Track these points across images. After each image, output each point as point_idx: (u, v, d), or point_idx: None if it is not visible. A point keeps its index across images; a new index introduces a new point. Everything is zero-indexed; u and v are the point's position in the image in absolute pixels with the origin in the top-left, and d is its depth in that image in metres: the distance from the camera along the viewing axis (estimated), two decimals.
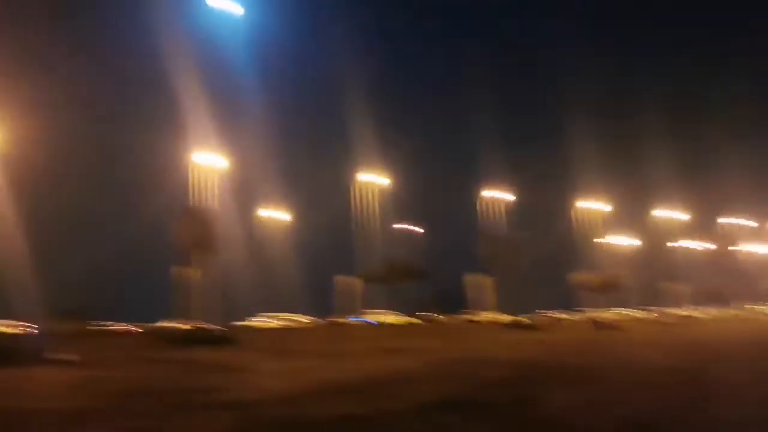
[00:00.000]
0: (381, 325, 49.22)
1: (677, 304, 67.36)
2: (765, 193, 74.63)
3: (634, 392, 12.94)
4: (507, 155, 62.14)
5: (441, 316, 57.02)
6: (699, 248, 75.16)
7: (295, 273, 55.62)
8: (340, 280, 57.92)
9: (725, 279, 74.27)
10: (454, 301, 60.87)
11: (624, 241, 68.74)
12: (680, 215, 72.52)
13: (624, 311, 62.64)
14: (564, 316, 58.78)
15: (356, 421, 10.22)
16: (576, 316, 56.09)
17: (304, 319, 52.25)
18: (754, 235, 79.56)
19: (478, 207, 63.00)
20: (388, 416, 10.70)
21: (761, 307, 72.28)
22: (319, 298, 56.79)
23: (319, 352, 24.03)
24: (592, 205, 66.62)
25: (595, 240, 67.34)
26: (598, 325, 45.03)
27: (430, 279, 60.46)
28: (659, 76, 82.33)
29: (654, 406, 11.27)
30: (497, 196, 63.00)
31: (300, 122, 58.97)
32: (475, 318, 55.33)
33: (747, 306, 70.82)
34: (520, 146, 72.87)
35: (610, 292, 63.53)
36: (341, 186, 59.55)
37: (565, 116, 62.88)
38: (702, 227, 75.36)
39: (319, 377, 15.69)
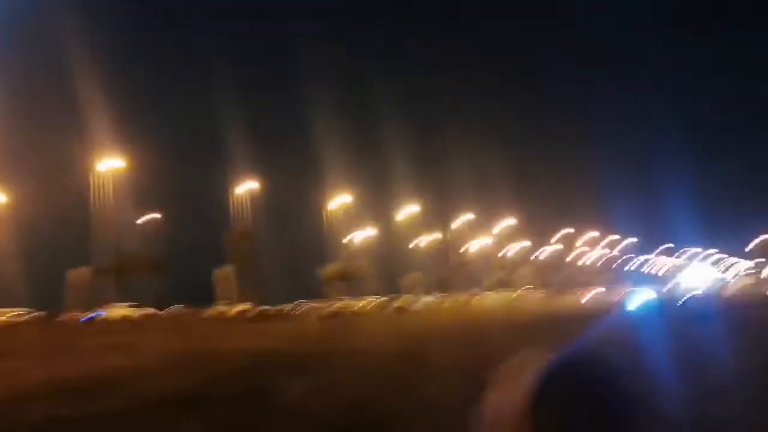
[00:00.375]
0: (116, 319, 46.15)
1: (412, 292, 72.49)
2: (488, 192, 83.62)
3: (362, 377, 13.66)
4: (258, 149, 62.09)
5: (183, 310, 55.21)
6: (432, 241, 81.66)
7: (18, 264, 50.06)
8: (72, 272, 53.30)
9: (454, 269, 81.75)
10: (202, 293, 59.41)
11: (366, 234, 72.33)
12: (417, 210, 78.13)
13: (363, 300, 65.89)
14: (309, 306, 60.13)
15: (71, 424, 9.48)
16: (319, 306, 57.67)
17: (27, 315, 47.17)
18: (479, 229, 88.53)
19: (229, 200, 62.03)
20: (109, 417, 10.07)
21: (485, 294, 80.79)
22: (47, 292, 51.78)
23: (41, 350, 21.86)
24: (338, 200, 69.21)
25: (341, 233, 70.06)
26: (333, 314, 46.59)
27: (174, 271, 58.21)
28: (401, 82, 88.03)
29: (376, 389, 11.99)
30: (248, 188, 62.58)
31: (28, 98, 52.98)
32: (221, 311, 54.45)
33: (472, 294, 78.63)
34: (271, 140, 73.09)
35: (352, 282, 66.48)
36: (75, 171, 54.80)
37: (315, 113, 64.45)
38: (435, 222, 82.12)
39: (35, 377, 14.27)
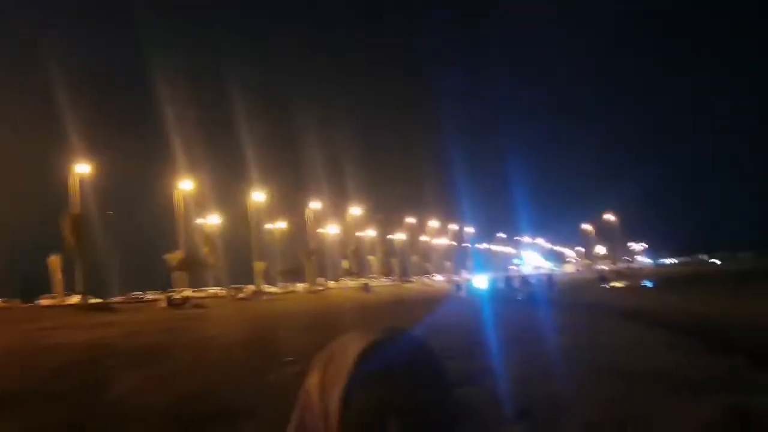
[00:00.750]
0: None
1: (262, 281, 71.59)
2: (337, 181, 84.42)
3: (201, 367, 13.29)
4: (100, 132, 58.39)
5: (7, 301, 51.08)
6: (282, 228, 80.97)
7: None
8: None
9: (305, 257, 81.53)
10: (34, 284, 55.31)
11: (214, 220, 70.26)
12: (266, 197, 76.95)
13: (210, 289, 64.25)
14: (153, 296, 57.74)
15: None
16: (162, 296, 55.40)
17: None
18: (328, 218, 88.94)
19: (67, 185, 57.39)
20: None
21: (337, 281, 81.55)
22: None
23: None
24: (184, 185, 66.54)
25: (187, 219, 67.55)
26: (176, 303, 44.93)
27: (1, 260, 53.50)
28: (251, 68, 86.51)
29: (217, 378, 11.72)
30: (86, 172, 58.28)
31: None
32: (51, 302, 50.84)
33: (323, 281, 79.03)
34: (114, 123, 69.21)
35: (199, 270, 64.44)
36: None
37: (161, 95, 61.73)
38: (285, 209, 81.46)
39: None
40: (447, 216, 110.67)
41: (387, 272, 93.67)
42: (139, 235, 63.29)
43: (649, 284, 55.90)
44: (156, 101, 61.60)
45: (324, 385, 1.02)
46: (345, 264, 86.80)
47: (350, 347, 1.03)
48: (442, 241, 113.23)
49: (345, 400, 0.99)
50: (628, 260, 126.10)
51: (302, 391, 1.05)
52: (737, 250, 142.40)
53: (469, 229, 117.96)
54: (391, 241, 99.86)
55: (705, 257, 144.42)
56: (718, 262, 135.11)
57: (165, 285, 60.61)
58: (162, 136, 61.94)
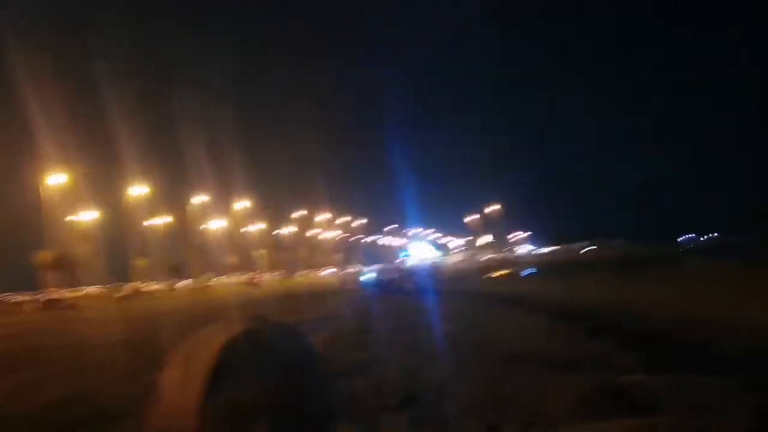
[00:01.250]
0: None
1: (143, 278, 68.97)
2: (222, 173, 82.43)
3: (75, 371, 12.60)
4: None
5: None
6: (164, 223, 78.22)
7: None
8: None
9: (189, 253, 79.28)
10: None
11: (89, 216, 66.79)
12: (147, 191, 74.01)
13: (86, 289, 61.21)
14: (21, 298, 54.28)
15: None
16: (32, 297, 52.21)
17: None
18: (213, 211, 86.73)
19: None
20: None
21: (221, 278, 79.73)
22: None
23: None
24: (54, 179, 62.74)
25: (59, 215, 63.85)
26: (50, 305, 42.59)
27: None
28: (130, 53, 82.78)
29: (92, 381, 11.13)
30: None
31: None
32: None
33: (208, 277, 77.05)
34: None
35: (72, 269, 61.18)
36: None
37: (28, 78, 57.78)
38: (167, 203, 78.66)
39: None
40: (337, 209, 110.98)
41: (275, 267, 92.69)
42: (3, 233, 59.19)
43: (531, 272, 58.37)
44: (22, 88, 57.57)
45: (183, 381, 0.92)
46: (231, 259, 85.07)
47: (214, 339, 0.93)
48: (332, 234, 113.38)
49: (205, 398, 0.89)
50: (511, 249, 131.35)
51: (160, 387, 0.94)
52: (612, 237, 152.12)
53: (359, 222, 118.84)
54: (279, 235, 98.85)
55: (582, 244, 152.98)
56: (593, 248, 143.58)
57: (35, 286, 57.14)
58: (29, 128, 58.01)
